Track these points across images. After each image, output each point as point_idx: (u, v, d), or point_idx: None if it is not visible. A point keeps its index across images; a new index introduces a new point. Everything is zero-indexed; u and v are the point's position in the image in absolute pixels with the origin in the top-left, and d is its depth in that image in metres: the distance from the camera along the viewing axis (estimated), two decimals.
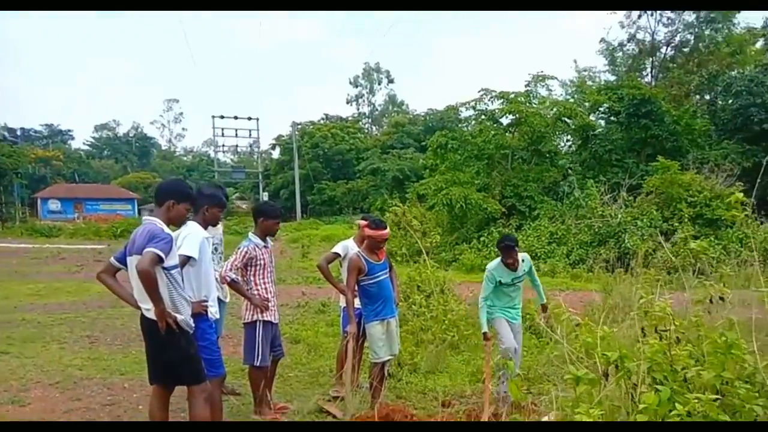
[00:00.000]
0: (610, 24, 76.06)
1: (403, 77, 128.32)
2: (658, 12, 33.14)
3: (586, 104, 23.54)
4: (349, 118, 64.71)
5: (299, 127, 53.18)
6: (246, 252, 5.00)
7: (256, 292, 5.05)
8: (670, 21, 34.27)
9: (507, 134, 21.74)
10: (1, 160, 39.90)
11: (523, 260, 5.58)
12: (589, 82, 34.13)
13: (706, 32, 33.05)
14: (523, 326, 6.27)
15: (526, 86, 22.35)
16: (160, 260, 3.51)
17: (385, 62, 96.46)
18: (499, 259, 5.60)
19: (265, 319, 5.06)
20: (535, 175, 20.64)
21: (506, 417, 4.48)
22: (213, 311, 4.32)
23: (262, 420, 4.98)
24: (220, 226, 5.24)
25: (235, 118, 48.92)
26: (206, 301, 4.21)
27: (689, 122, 21.37)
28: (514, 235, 5.35)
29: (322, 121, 59.72)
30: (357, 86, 73.33)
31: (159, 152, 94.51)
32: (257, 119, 50.27)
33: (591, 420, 3.06)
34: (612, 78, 35.65)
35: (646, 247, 12.94)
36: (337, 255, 5.87)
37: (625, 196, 16.75)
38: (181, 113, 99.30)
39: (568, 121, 22.08)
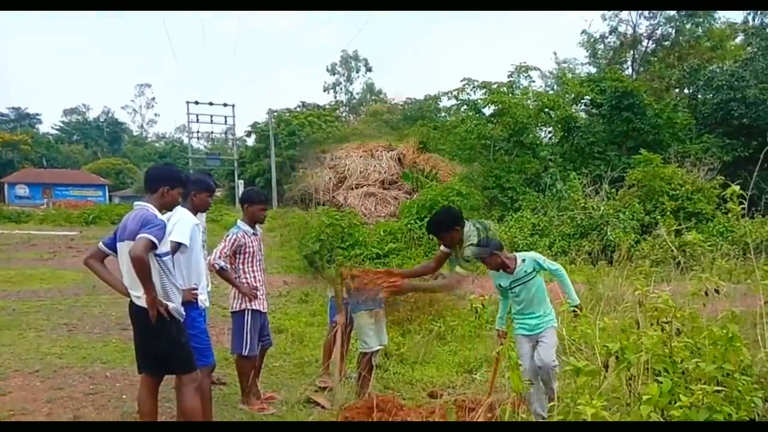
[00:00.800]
0: (592, 16, 76.55)
1: (382, 66, 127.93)
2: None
3: (568, 96, 23.59)
4: (326, 107, 64.09)
5: (276, 114, 52.54)
6: (235, 239, 4.87)
7: (244, 281, 4.94)
8: (651, 14, 34.46)
9: (489, 125, 21.71)
10: None
11: (523, 260, 4.64)
12: (570, 75, 34.25)
13: (687, 26, 33.32)
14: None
15: (508, 77, 22.33)
16: (154, 246, 3.41)
17: (364, 50, 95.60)
18: None
19: (254, 307, 4.95)
20: (516, 167, 20.62)
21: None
22: (203, 299, 4.20)
23: (249, 410, 4.87)
24: (203, 214, 5.09)
25: (210, 104, 48.15)
26: (196, 289, 4.09)
27: (671, 116, 21.56)
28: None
29: (298, 109, 59.05)
30: (334, 74, 72.63)
31: (131, 138, 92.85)
32: (233, 105, 49.60)
33: (592, 411, 3.00)
34: (593, 70, 35.85)
35: (629, 240, 13.03)
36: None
37: (607, 189, 16.83)
38: (154, 98, 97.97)
39: (550, 112, 22.13)
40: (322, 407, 5.03)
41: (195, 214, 4.36)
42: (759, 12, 26.71)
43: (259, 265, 5.08)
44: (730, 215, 11.68)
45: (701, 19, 32.43)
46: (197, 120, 49.66)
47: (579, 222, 15.67)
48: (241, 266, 4.96)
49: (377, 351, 5.32)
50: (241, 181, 48.19)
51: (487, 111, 21.93)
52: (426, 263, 6.07)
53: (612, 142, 21.71)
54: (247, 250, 4.94)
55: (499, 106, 20.75)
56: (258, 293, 4.98)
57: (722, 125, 21.54)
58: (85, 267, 3.82)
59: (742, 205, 4.29)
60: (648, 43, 36.16)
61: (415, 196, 9.72)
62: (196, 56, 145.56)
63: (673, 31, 34.52)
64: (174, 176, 3.88)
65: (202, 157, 59.43)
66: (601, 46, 38.19)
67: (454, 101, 22.93)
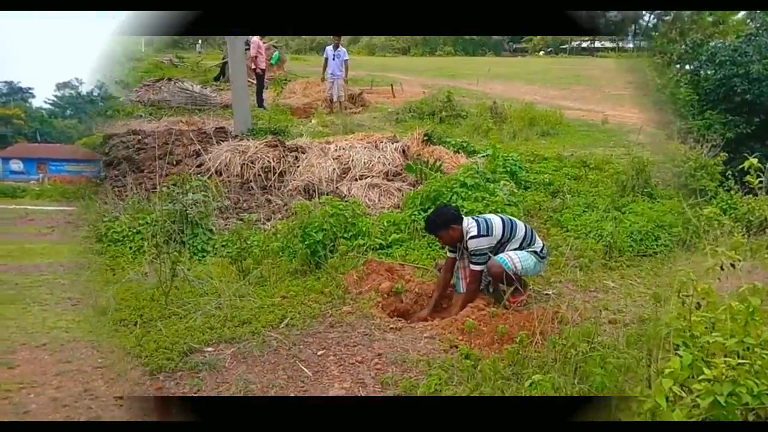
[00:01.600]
0: None
1: None
2: None
3: None
4: None
5: None
6: None
7: None
8: None
9: None
10: None
11: None
12: None
13: None
14: None
15: None
16: None
17: None
18: None
19: None
20: None
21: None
22: None
23: None
24: None
25: None
26: None
27: (673, 91, 21.38)
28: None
29: None
30: None
31: None
32: None
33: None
34: None
35: None
36: None
37: None
38: None
39: None
40: None
41: None
42: None
43: None
44: (732, 192, 11.62)
45: None
46: None
47: None
48: None
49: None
50: None
51: None
52: (438, 280, 6.10)
53: None
54: None
55: None
56: None
57: (725, 101, 21.35)
58: (85, 242, 3.72)
59: (759, 179, 4.23)
60: (650, 17, 35.89)
61: (419, 187, 9.65)
62: None
63: None
64: None
65: None
66: (603, 21, 37.83)
67: None
